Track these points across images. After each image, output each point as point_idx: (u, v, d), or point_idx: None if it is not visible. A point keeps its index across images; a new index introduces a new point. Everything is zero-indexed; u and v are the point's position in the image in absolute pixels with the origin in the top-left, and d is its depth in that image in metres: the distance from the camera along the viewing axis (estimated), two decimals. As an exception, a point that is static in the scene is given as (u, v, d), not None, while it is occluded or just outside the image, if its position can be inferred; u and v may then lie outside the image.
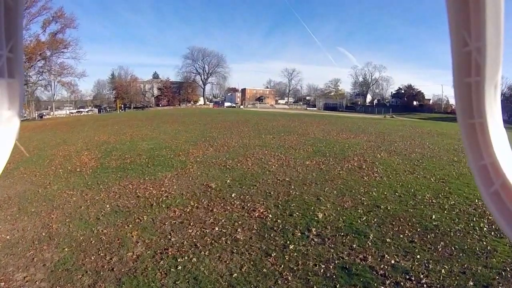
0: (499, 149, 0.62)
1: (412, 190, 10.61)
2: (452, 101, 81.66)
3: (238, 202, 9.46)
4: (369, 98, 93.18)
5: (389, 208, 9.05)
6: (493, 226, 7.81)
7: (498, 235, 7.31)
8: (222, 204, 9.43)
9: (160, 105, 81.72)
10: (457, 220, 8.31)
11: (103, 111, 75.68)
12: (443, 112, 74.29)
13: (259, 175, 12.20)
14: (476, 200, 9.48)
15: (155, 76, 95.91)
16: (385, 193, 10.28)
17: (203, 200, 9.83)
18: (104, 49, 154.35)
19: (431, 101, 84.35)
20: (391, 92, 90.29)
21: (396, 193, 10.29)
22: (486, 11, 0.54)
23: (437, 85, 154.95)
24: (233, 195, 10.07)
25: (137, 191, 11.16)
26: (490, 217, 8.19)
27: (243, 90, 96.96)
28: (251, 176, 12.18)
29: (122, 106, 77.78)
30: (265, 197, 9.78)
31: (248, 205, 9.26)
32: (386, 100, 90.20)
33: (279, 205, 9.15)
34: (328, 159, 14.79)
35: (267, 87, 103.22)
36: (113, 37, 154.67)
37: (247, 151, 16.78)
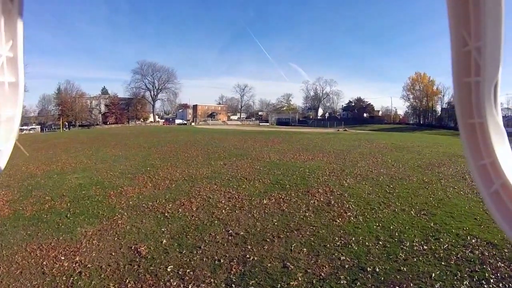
0: (499, 149, 0.61)
1: (396, 234, 8.57)
2: (400, 112, 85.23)
3: (175, 283, 6.61)
4: (320, 111, 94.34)
5: (377, 269, 6.79)
6: (499, 275, 6.31)
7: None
8: (152, 288, 6.56)
9: (108, 123, 75.57)
10: (459, 274, 6.48)
11: (46, 130, 68.01)
12: (392, 122, 76.75)
13: (205, 228, 9.40)
14: (469, 238, 8.00)
15: (104, 91, 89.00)
16: (367, 243, 8.06)
17: (127, 281, 6.85)
18: (54, 61, 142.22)
19: (380, 113, 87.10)
20: (342, 105, 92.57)
21: (379, 242, 8.13)
22: (486, 11, 0.53)
23: (386, 97, 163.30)
24: (169, 269, 7.18)
25: (45, 263, 7.88)
26: (492, 263, 6.77)
27: (195, 107, 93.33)
28: (194, 229, 9.34)
29: (67, 124, 70.69)
30: (213, 270, 7.02)
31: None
32: (337, 113, 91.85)
33: (233, 285, 6.46)
34: (289, 194, 12.44)
35: (220, 103, 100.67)
36: (65, 49, 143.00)
37: (192, 186, 13.95)
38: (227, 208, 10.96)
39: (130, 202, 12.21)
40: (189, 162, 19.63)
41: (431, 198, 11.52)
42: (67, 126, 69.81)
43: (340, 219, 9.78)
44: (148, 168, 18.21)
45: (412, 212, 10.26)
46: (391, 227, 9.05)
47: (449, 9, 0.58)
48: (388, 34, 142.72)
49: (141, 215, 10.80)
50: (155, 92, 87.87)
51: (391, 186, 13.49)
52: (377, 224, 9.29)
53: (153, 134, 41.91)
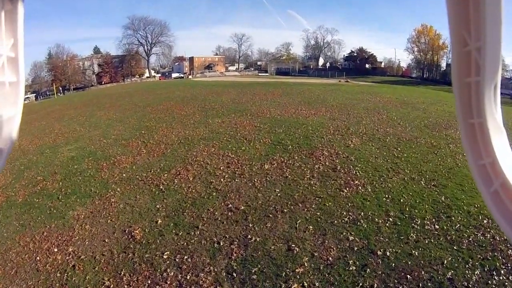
0: (499, 149, 0.62)
1: (407, 209, 7.95)
2: (403, 64, 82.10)
3: (172, 274, 6.01)
4: (321, 61, 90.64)
5: (388, 253, 6.24)
6: (509, 265, 5.84)
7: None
8: (149, 281, 5.96)
9: (103, 83, 72.52)
10: (471, 262, 5.99)
11: (40, 98, 65.43)
12: (395, 75, 74.13)
13: (202, 203, 8.74)
14: (480, 217, 7.38)
15: (96, 50, 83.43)
16: (376, 219, 7.45)
17: (122, 273, 6.25)
18: (42, 25, 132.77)
19: (383, 64, 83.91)
20: (344, 55, 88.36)
21: (390, 218, 7.52)
22: (486, 11, 0.53)
23: (389, 48, 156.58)
24: (165, 256, 6.58)
25: (38, 258, 7.29)
26: (503, 250, 6.25)
27: (191, 59, 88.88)
28: (191, 205, 8.68)
29: (61, 89, 67.71)
30: (212, 255, 6.44)
31: (188, 278, 5.87)
32: (339, 63, 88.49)
33: (234, 273, 5.87)
34: (292, 157, 11.69)
35: (217, 54, 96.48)
36: (53, 11, 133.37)
37: (189, 150, 13.18)
38: (226, 176, 10.26)
39: (124, 175, 11.49)
40: (186, 122, 18.68)
41: (441, 166, 10.75)
42: (61, 91, 66.71)
43: (347, 188, 9.10)
44: (143, 132, 17.31)
45: (422, 182, 9.57)
46: (401, 200, 8.40)
47: (449, 9, 0.58)
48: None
49: (135, 190, 10.12)
50: (149, 47, 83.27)
51: (399, 149, 12.72)
52: (387, 196, 8.64)
53: (149, 91, 40.27)
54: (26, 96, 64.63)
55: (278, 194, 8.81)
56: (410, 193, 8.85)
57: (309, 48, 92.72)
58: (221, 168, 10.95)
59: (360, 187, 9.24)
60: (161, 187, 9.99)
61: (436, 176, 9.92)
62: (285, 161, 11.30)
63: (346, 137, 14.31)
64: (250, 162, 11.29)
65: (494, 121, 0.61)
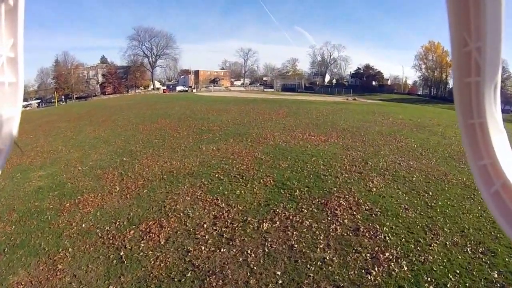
0: (499, 149, 0.61)
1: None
2: (409, 81, 79.42)
3: None
4: (327, 78, 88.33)
5: None
6: None
7: None
8: None
9: (106, 93, 70.40)
10: None
11: (42, 105, 63.45)
12: (402, 92, 71.32)
13: (170, 290, 5.96)
14: None
15: (103, 60, 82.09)
16: None
17: None
18: (51, 32, 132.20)
19: (389, 81, 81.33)
20: (350, 71, 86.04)
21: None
22: (486, 11, 0.53)
23: (394, 65, 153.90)
24: None
25: None
26: None
27: (196, 72, 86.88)
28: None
29: (63, 97, 65.70)
30: None
31: None
32: (345, 80, 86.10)
33: None
34: (300, 209, 8.94)
35: (223, 68, 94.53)
36: (63, 19, 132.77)
37: (169, 192, 10.52)
38: (210, 241, 7.45)
39: (83, 225, 8.80)
40: (176, 147, 16.10)
41: (483, 219, 8.21)
42: (63, 100, 65.00)
43: (376, 268, 6.30)
44: (124, 159, 14.79)
45: (468, 249, 6.98)
46: (448, 285, 5.69)
47: (449, 9, 0.58)
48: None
49: (89, 254, 7.38)
50: (154, 59, 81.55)
51: (430, 193, 10.04)
52: (429, 279, 5.93)
53: (149, 105, 38.04)
54: (28, 103, 63.42)
55: (279, 282, 5.99)
56: (457, 271, 6.21)
57: (316, 64, 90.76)
58: (205, 225, 8.17)
59: (392, 264, 6.46)
60: (121, 254, 7.23)
61: (482, 237, 7.42)
62: (291, 216, 8.52)
63: (365, 175, 11.58)
64: (245, 218, 8.50)
65: (494, 121, 0.60)
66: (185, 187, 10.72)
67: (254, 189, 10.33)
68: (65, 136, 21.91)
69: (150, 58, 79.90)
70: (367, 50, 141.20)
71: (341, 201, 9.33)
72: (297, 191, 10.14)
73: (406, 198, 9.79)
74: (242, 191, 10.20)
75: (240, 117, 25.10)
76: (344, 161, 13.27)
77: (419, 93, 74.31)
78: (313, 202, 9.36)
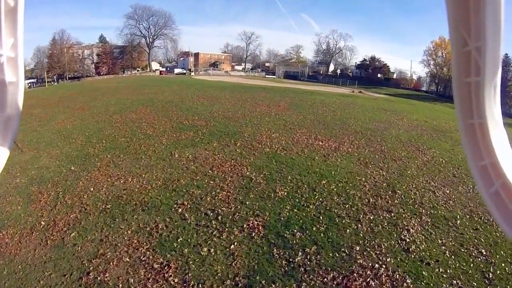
0: (499, 149, 0.60)
1: None
2: (414, 77, 74.27)
3: None
4: (331, 67, 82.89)
5: None
6: None
7: None
8: None
9: (100, 74, 65.26)
10: None
11: (34, 85, 58.27)
12: (409, 88, 66.23)
13: None
14: None
15: (102, 39, 75.86)
16: None
17: None
18: (50, 10, 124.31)
19: (395, 75, 76.01)
20: (355, 62, 79.93)
21: None
22: (486, 11, 0.52)
23: (399, 58, 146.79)
24: None
25: None
26: None
27: (196, 55, 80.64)
28: None
29: (55, 78, 60.51)
30: None
31: None
32: (349, 71, 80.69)
33: None
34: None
35: (225, 52, 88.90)
36: None
37: (104, 240, 6.74)
38: None
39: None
40: (141, 152, 12.03)
41: None
42: (55, 80, 59.55)
43: None
44: (73, 168, 10.97)
45: None
46: None
47: (449, 9, 0.56)
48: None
49: None
50: (151, 39, 74.03)
51: (482, 250, 6.64)
52: None
53: (137, 89, 33.57)
54: (20, 83, 57.32)
55: None
56: None
57: (320, 53, 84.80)
58: None
59: None
60: None
61: None
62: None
63: (396, 216, 7.64)
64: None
65: (494, 121, 0.59)
66: (129, 232, 6.70)
67: (232, 246, 6.19)
68: (29, 127, 17.70)
69: (148, 38, 73.01)
70: (373, 42, 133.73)
71: (369, 281, 5.22)
72: (300, 252, 6.00)
73: (456, 263, 5.79)
74: (212, 250, 6.04)
75: (234, 108, 20.75)
76: (365, 187, 9.17)
77: (423, 89, 69.31)
78: (325, 280, 5.24)
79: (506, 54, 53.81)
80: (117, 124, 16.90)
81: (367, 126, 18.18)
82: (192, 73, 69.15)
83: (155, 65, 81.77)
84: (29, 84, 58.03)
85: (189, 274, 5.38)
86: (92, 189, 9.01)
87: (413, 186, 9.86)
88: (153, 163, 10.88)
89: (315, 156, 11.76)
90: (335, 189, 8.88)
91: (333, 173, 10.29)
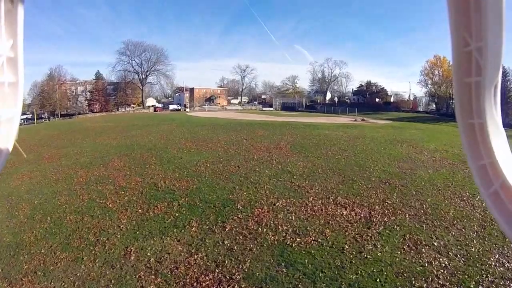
0: (499, 149, 0.59)
1: None
2: (424, 100, 71.07)
3: None
4: (328, 95, 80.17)
5: None
6: None
7: None
8: None
9: (93, 111, 60.99)
10: None
11: (25, 122, 54.49)
12: (409, 110, 62.67)
13: None
14: None
15: (98, 76, 73.58)
16: None
17: None
18: (50, 46, 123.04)
19: (392, 98, 72.88)
20: (352, 89, 76.92)
21: None
22: (487, 11, 0.51)
23: (393, 81, 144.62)
24: None
25: None
26: None
27: (191, 90, 77.19)
28: None
29: (46, 115, 56.72)
30: None
31: None
32: (346, 98, 77.60)
33: None
34: None
35: (221, 86, 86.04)
36: (63, 33, 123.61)
37: None
38: None
39: None
40: (87, 245, 7.99)
41: None
42: (46, 117, 55.67)
43: None
44: None
45: None
46: None
47: (449, 9, 0.55)
48: (393, 17, 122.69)
49: None
50: (144, 75, 70.80)
51: None
52: None
53: (125, 130, 30.02)
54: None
55: None
56: None
57: (316, 82, 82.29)
58: None
59: None
60: None
61: None
62: None
63: None
64: None
65: (494, 122, 0.57)
66: None
67: None
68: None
69: (140, 74, 70.19)
70: (366, 66, 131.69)
71: None
72: None
73: None
74: None
75: (226, 156, 16.70)
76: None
77: (420, 109, 65.68)
78: None
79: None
80: (77, 186, 12.83)
81: (391, 170, 14.14)
82: (187, 109, 65.85)
83: (151, 101, 78.75)
84: (21, 121, 53.98)
85: None
86: None
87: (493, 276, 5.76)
88: (96, 273, 6.69)
89: (344, 242, 7.55)
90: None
91: (378, 280, 6.10)
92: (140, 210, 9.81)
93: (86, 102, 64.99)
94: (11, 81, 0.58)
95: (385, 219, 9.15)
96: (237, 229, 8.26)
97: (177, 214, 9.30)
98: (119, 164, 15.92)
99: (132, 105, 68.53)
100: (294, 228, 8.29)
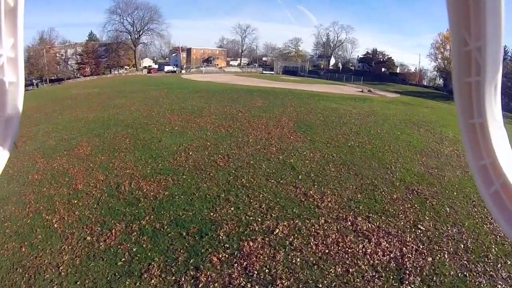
0: (499, 149, 0.58)
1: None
2: (429, 74, 66.20)
3: None
4: (332, 61, 74.89)
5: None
6: None
7: None
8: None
9: (83, 75, 56.04)
10: None
11: None
12: (418, 84, 58.09)
13: None
14: None
15: (91, 37, 66.82)
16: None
17: None
18: (44, 8, 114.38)
19: (398, 69, 67.81)
20: (358, 56, 71.45)
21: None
22: (486, 11, 0.50)
23: (399, 51, 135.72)
24: None
25: None
26: None
27: (188, 50, 70.99)
28: None
29: (34, 81, 50.24)
30: None
31: None
32: (351, 64, 72.54)
33: None
34: None
35: (220, 46, 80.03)
36: None
37: None
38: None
39: None
40: None
41: None
42: (33, 84, 50.31)
43: None
44: None
45: None
46: None
47: (449, 9, 0.54)
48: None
49: None
50: (136, 35, 63.59)
51: None
52: None
53: (110, 98, 26.50)
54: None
55: None
56: None
57: (320, 46, 76.59)
58: None
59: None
60: None
61: None
62: None
63: None
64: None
65: (494, 121, 0.56)
66: None
67: None
68: None
69: (133, 34, 63.46)
70: (371, 33, 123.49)
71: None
72: None
73: None
74: None
75: (216, 138, 13.59)
76: None
77: (424, 83, 61.11)
78: None
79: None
80: (29, 188, 9.85)
81: (416, 170, 11.38)
82: (183, 71, 61.15)
83: (148, 62, 73.35)
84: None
85: None
86: None
87: None
88: None
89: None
90: None
91: None
92: (88, 238, 6.92)
93: (77, 65, 59.43)
94: (12, 80, 0.56)
95: (421, 262, 6.39)
96: (216, 284, 5.44)
97: (134, 249, 6.42)
98: (86, 150, 12.82)
99: (126, 67, 63.31)
100: (299, 283, 5.48)
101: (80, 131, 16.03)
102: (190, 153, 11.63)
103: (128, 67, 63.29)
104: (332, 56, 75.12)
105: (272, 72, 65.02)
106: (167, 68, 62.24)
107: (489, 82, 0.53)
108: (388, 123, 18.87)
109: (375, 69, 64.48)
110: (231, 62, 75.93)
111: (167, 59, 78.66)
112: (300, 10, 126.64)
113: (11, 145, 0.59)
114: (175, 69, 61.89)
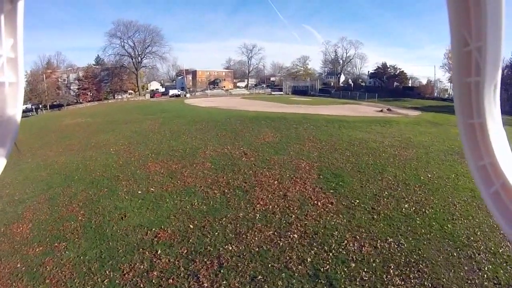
0: (499, 149, 0.56)
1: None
2: (439, 85, 60.69)
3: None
4: (342, 78, 70.33)
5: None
6: None
7: None
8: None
9: (83, 101, 53.25)
10: None
11: None
12: (435, 97, 52.42)
13: None
14: None
15: (98, 60, 64.45)
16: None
17: None
18: (57, 33, 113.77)
19: (410, 82, 62.64)
20: (368, 71, 66.56)
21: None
22: (486, 11, 0.49)
23: (406, 64, 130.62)
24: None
25: None
26: None
27: (194, 73, 67.64)
28: None
29: (33, 107, 48.21)
30: None
31: None
32: (360, 80, 67.80)
33: None
34: None
35: (227, 67, 76.05)
36: (69, 19, 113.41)
37: None
38: None
39: None
40: None
41: None
42: (32, 109, 47.54)
43: None
44: None
45: None
46: None
47: (449, 9, 0.53)
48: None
49: None
50: (138, 59, 59.88)
51: None
52: None
53: (97, 131, 22.69)
54: None
55: None
56: None
57: (328, 63, 72.09)
58: None
59: None
60: None
61: None
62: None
63: None
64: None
65: (494, 121, 0.55)
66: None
67: None
68: None
69: (134, 58, 60.13)
70: (377, 48, 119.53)
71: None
72: None
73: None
74: None
75: (205, 211, 9.06)
76: None
77: (436, 95, 55.51)
78: None
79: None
80: None
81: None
82: (187, 95, 57.10)
83: (155, 85, 70.27)
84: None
85: None
86: None
87: None
88: None
89: None
90: None
91: None
92: None
93: (78, 91, 55.89)
94: (12, 81, 0.55)
95: None
96: None
97: None
98: (25, 229, 8.38)
99: (130, 91, 59.63)
100: None
101: (37, 187, 11.81)
102: (159, 251, 6.90)
103: (132, 92, 59.66)
104: (342, 73, 70.46)
105: (281, 93, 60.63)
106: (171, 91, 58.30)
107: (489, 83, 0.51)
108: (432, 158, 14.21)
109: (387, 84, 59.43)
110: (238, 84, 71.91)
111: (174, 82, 75.37)
112: (306, 29, 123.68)
113: (12, 146, 0.56)
114: (179, 92, 57.85)
